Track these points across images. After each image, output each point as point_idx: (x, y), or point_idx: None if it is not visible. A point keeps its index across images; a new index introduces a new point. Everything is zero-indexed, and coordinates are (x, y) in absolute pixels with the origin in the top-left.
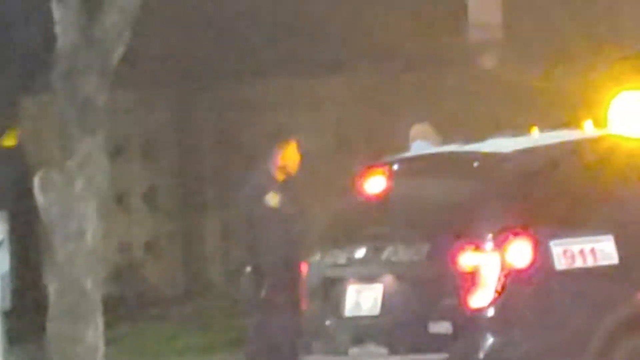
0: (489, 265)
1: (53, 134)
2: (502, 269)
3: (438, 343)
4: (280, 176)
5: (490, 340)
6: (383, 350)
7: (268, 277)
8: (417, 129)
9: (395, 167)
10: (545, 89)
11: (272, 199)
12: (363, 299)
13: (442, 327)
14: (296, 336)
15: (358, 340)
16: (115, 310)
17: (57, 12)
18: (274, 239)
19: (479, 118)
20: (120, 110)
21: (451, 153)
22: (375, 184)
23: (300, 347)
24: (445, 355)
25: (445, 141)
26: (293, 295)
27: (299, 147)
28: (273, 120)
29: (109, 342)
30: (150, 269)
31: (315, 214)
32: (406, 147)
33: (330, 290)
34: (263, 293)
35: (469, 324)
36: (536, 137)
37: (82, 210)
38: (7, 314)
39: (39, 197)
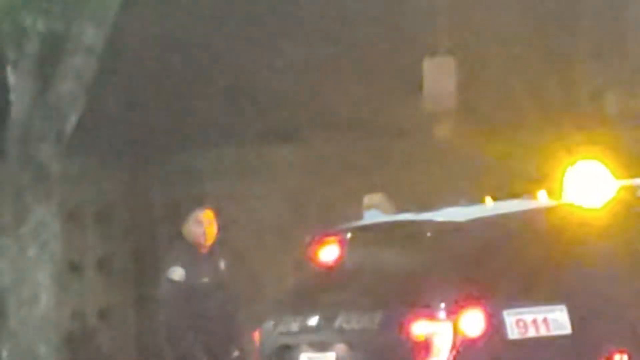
0: (441, 335)
1: (7, 200)
2: (455, 338)
3: None
4: (199, 247)
5: None
6: None
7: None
8: (370, 197)
9: (349, 235)
10: (500, 158)
11: (174, 273)
12: None
13: None
14: None
15: None
16: None
17: (11, 78)
18: (178, 313)
19: (433, 187)
20: (74, 177)
21: (405, 222)
22: (328, 252)
23: None
24: None
25: (399, 210)
26: None
27: (215, 216)
28: (226, 189)
29: None
30: (104, 337)
31: (266, 282)
32: (360, 216)
33: (283, 357)
34: None
35: None
36: (490, 207)
37: (35, 277)
38: None
39: None
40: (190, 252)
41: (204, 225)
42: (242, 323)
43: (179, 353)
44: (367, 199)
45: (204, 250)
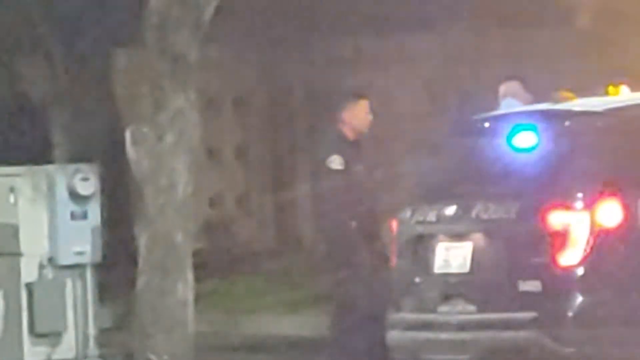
0: (578, 225)
1: (145, 88)
2: (592, 228)
3: (527, 301)
4: (351, 135)
5: (579, 299)
6: (472, 307)
7: (335, 238)
8: (507, 86)
9: (486, 124)
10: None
11: (334, 162)
12: (452, 256)
13: (531, 286)
14: (378, 294)
15: (447, 298)
16: (205, 264)
17: None
18: (337, 200)
19: (571, 76)
20: (212, 65)
21: (542, 111)
22: (466, 141)
23: (389, 304)
24: (534, 314)
25: (536, 99)
26: (370, 253)
27: (370, 105)
28: (364, 78)
29: (198, 296)
30: (241, 224)
31: (404, 172)
32: (496, 105)
33: (420, 247)
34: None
35: (558, 283)
36: (628, 96)
37: (172, 165)
38: (98, 267)
39: (130, 151)
40: (342, 141)
41: (357, 114)
42: (385, 212)
43: (338, 243)
44: (503, 88)
45: (353, 138)
